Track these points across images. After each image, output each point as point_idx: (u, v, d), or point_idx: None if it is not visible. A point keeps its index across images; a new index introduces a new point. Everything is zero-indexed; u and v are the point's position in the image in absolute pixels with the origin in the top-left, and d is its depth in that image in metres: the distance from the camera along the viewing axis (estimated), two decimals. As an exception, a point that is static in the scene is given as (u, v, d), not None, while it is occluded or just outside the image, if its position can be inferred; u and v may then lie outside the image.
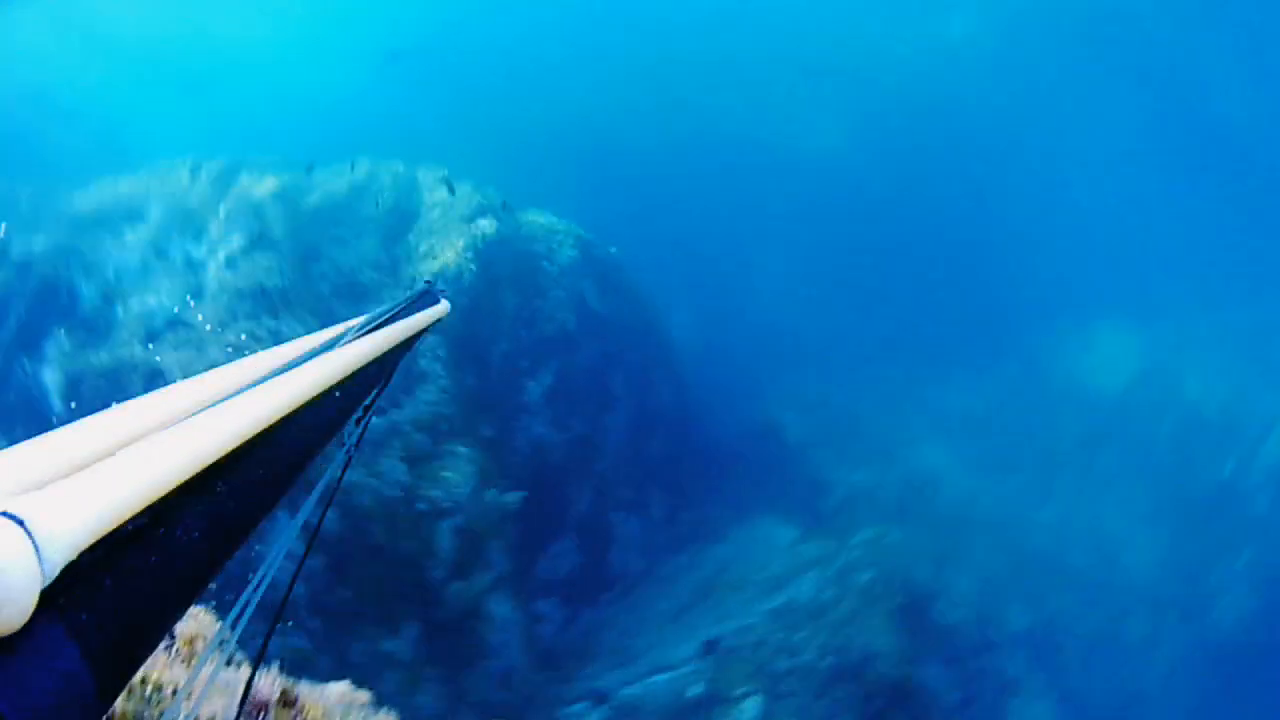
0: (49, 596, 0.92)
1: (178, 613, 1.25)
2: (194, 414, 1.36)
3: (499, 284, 15.68)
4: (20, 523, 0.87)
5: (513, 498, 12.49)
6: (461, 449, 12.18)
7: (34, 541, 0.88)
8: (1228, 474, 22.28)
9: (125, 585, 1.10)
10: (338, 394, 1.94)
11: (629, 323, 18.87)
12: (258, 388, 1.55)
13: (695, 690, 11.80)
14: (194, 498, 1.27)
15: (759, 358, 25.23)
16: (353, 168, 16.91)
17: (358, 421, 2.42)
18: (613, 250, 19.13)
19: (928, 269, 29.06)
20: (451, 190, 16.96)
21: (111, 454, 1.12)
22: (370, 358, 2.20)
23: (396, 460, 11.16)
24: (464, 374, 13.88)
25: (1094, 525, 22.02)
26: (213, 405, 1.43)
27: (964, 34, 33.75)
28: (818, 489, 19.94)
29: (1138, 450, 23.55)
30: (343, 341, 2.09)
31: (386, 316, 2.53)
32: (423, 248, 15.41)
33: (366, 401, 2.35)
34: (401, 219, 16.43)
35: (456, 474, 11.66)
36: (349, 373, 2.00)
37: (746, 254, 29.65)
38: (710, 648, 12.76)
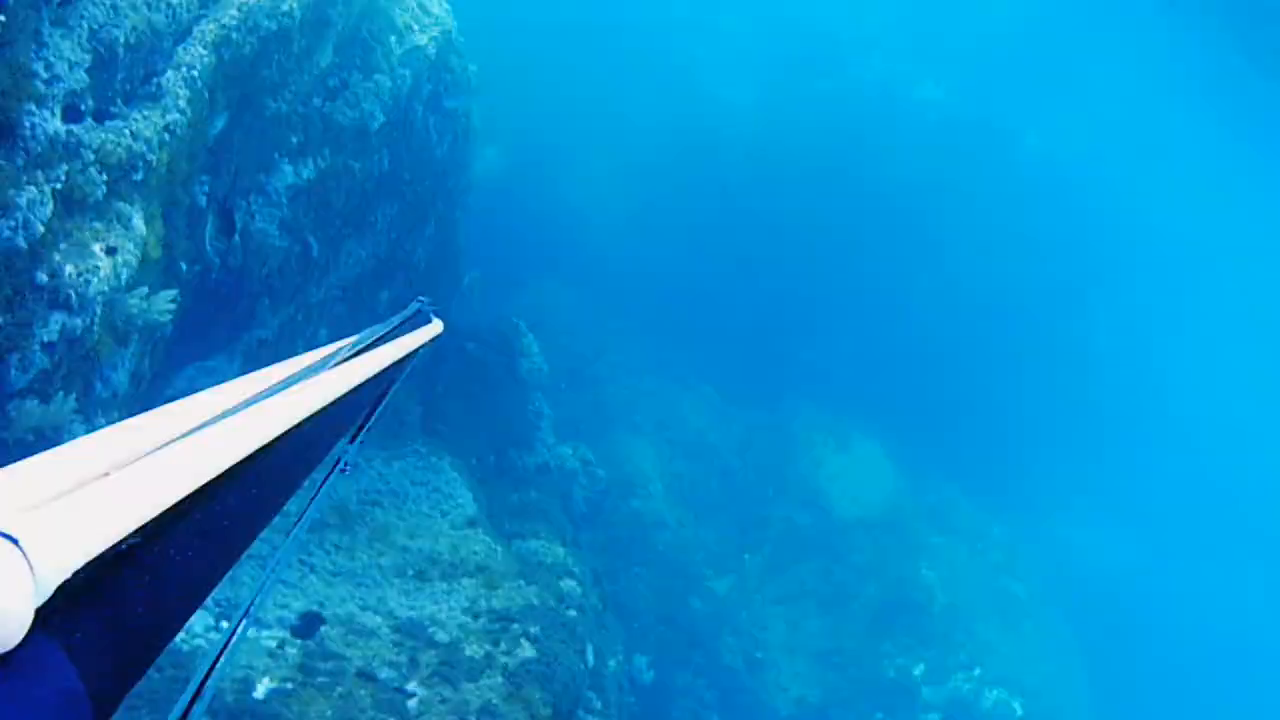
0: (44, 615, 1.00)
1: (173, 630, 1.38)
2: (188, 434, 1.48)
3: (324, 31, 11.74)
4: (15, 541, 0.96)
5: (163, 304, 8.68)
6: (137, 219, 8.32)
7: (28, 560, 0.96)
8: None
9: (120, 603, 1.24)
10: (331, 415, 2.06)
11: (438, 156, 15.22)
12: (252, 408, 1.71)
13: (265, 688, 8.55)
14: (188, 517, 1.40)
15: (537, 266, 22.06)
16: None
17: (352, 439, 2.52)
18: (472, 69, 15.45)
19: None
20: None
21: (105, 474, 1.24)
22: (364, 378, 2.34)
23: (47, 189, 7.37)
24: (215, 114, 10.01)
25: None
26: (207, 426, 1.54)
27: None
28: (519, 445, 16.94)
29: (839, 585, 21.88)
30: (334, 361, 2.25)
31: (379, 336, 2.73)
32: None
33: (359, 423, 2.57)
34: None
35: (108, 255, 7.88)
36: (343, 393, 2.14)
37: (597, 158, 26.29)
38: (309, 626, 9.42)
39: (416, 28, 13.93)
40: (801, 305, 26.84)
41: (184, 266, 9.86)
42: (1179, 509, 30.45)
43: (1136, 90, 34.39)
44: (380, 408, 2.77)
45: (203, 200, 10.20)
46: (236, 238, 11.04)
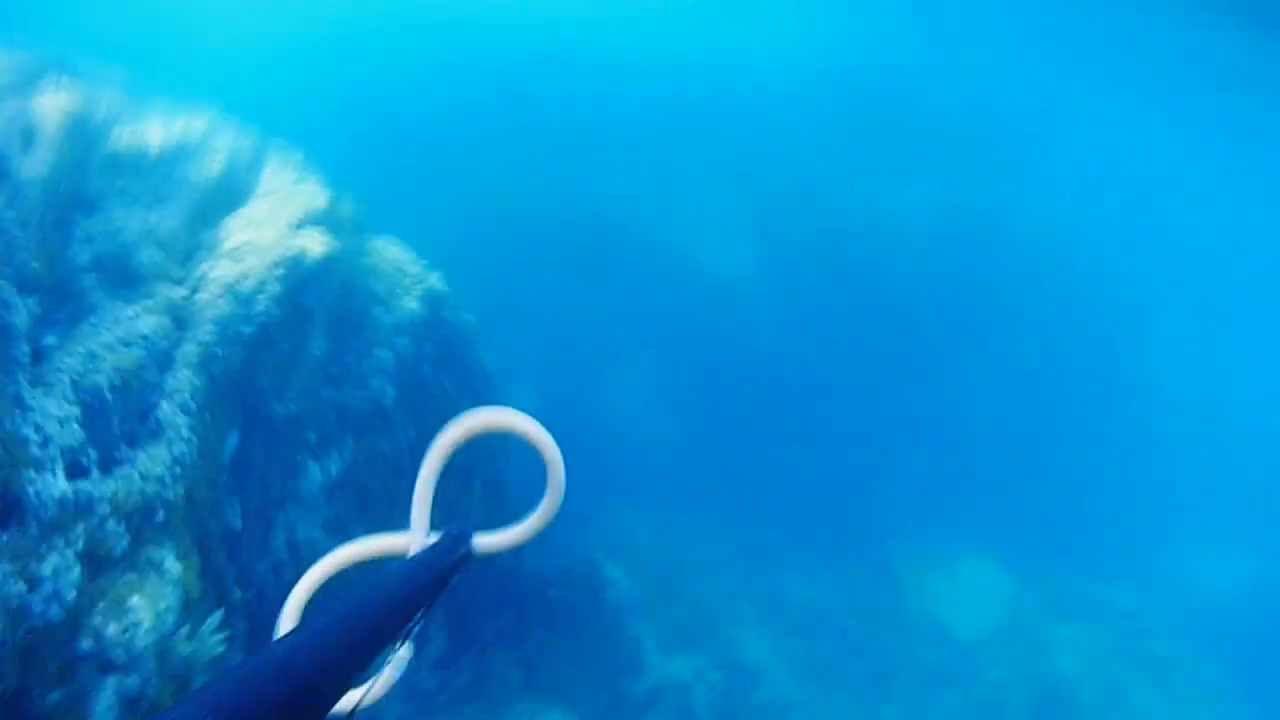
0: None
1: None
2: None
3: (308, 321, 11.51)
4: None
5: (211, 636, 8.14)
6: (170, 560, 7.93)
7: None
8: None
9: None
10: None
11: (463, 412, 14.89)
12: None
13: None
14: None
15: (599, 495, 21.52)
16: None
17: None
18: (468, 317, 15.20)
19: (809, 431, 26.06)
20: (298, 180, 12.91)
21: None
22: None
23: (69, 553, 6.99)
24: (221, 434, 9.71)
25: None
26: None
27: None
28: (627, 672, 16.26)
29: (985, 707, 20.86)
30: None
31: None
32: (232, 239, 11.13)
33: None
34: (225, 193, 12.14)
35: (147, 604, 7.43)
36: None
37: (621, 370, 26.06)
38: None
39: (400, 292, 13.72)
40: (864, 445, 26.35)
41: (238, 593, 9.42)
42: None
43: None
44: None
45: (238, 523, 9.81)
46: (284, 553, 10.63)
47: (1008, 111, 34.63)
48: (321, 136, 14.80)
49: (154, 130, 11.19)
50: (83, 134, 9.74)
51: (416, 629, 3.69)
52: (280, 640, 3.35)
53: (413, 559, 3.99)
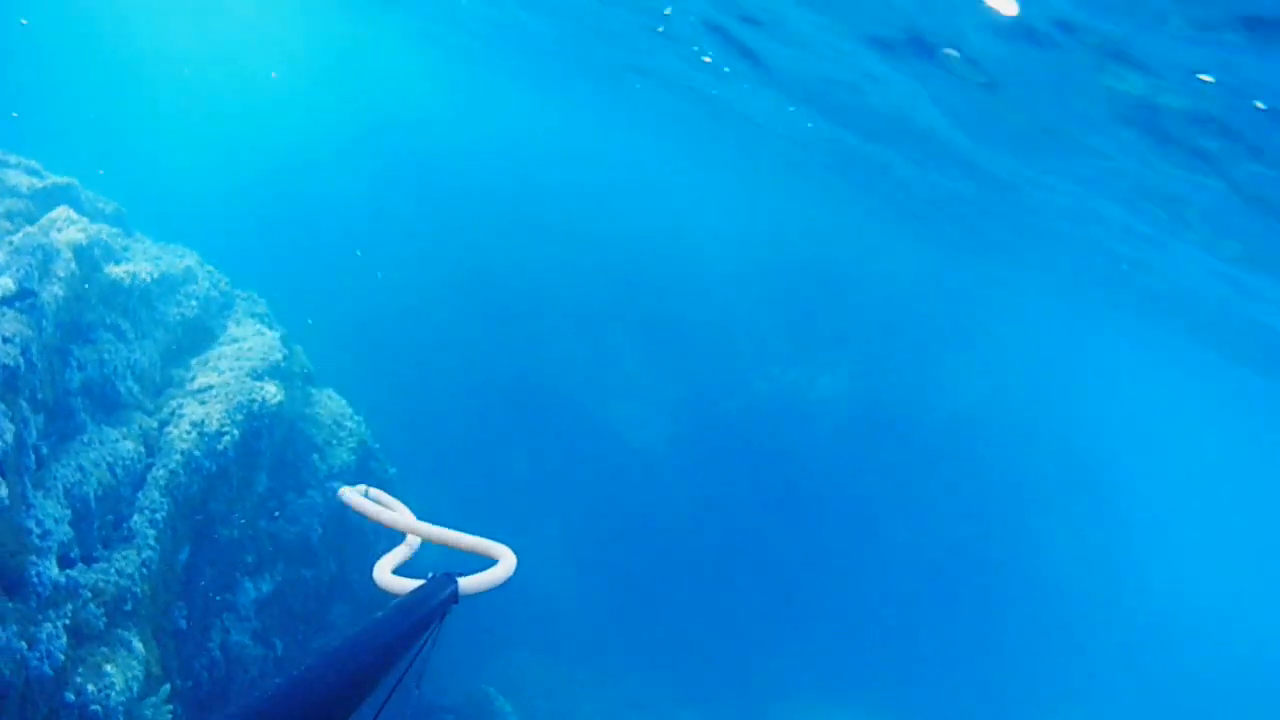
0: None
1: None
2: None
3: (256, 460, 13.50)
4: None
5: (163, 706, 9.93)
6: (136, 642, 9.78)
7: None
8: None
9: None
10: None
11: (381, 553, 16.68)
12: None
13: None
14: None
15: (500, 637, 23.11)
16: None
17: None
18: (392, 470, 17.15)
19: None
20: (265, 330, 15.13)
21: None
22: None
23: (60, 628, 8.81)
24: (179, 546, 11.58)
25: None
26: None
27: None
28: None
29: None
30: None
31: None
32: (197, 381, 13.16)
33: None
34: (195, 336, 14.26)
35: (118, 672, 9.28)
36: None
37: (531, 524, 27.70)
38: None
39: (335, 443, 15.70)
40: (758, 614, 27.95)
41: (178, 682, 11.15)
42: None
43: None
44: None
45: (183, 623, 11.58)
46: (218, 653, 12.38)
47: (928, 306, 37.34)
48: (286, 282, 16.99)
49: (141, 269, 13.24)
50: (84, 267, 11.73)
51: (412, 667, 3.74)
52: (276, 680, 3.32)
53: (398, 603, 3.80)
